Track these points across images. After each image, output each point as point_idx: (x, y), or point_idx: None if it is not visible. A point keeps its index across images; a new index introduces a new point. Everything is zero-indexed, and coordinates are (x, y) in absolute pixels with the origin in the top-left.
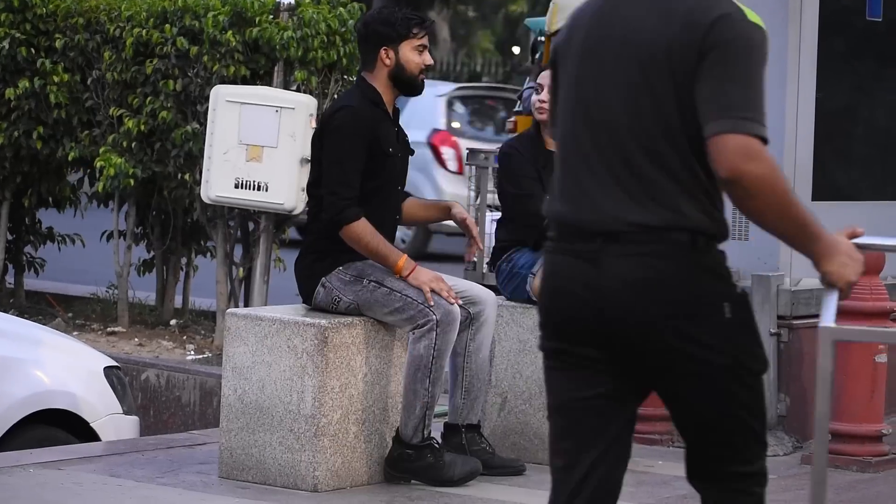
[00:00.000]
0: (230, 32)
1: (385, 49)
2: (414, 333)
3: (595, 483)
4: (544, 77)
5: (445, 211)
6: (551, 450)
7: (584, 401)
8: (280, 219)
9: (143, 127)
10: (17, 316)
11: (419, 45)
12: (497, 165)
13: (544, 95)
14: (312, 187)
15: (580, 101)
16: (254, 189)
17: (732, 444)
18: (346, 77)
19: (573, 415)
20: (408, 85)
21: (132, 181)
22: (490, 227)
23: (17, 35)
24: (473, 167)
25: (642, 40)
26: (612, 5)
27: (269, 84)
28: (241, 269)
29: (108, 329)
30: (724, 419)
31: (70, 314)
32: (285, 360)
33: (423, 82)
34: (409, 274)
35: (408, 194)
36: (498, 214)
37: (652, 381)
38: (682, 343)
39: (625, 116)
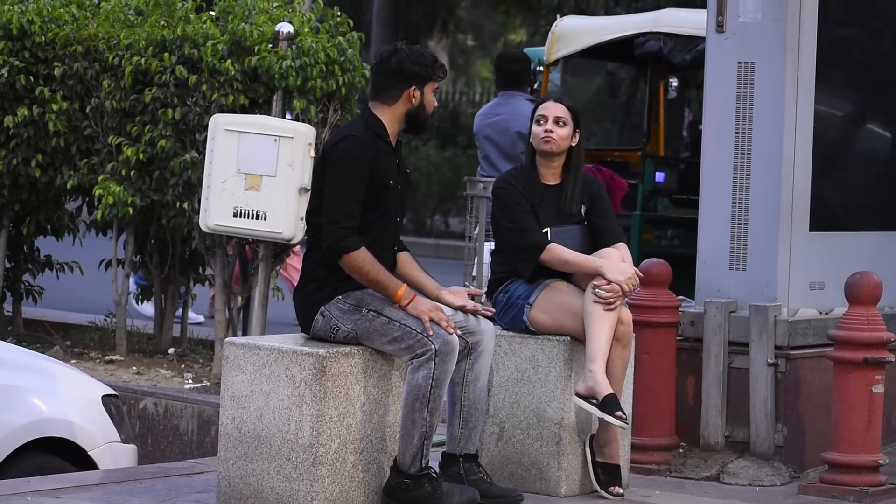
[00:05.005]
0: (229, 61)
1: (414, 88)
2: (412, 363)
3: None
4: (548, 108)
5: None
6: None
7: None
8: (278, 248)
9: (141, 155)
10: (15, 344)
11: (437, 88)
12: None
13: (550, 126)
14: (312, 216)
15: None
16: (252, 218)
17: None
18: (344, 106)
19: None
20: (420, 124)
21: (131, 209)
22: (488, 258)
23: (16, 63)
24: (471, 197)
25: None
26: None
27: (268, 113)
28: (239, 298)
29: (107, 357)
30: None
31: (68, 342)
32: (283, 390)
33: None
34: (409, 303)
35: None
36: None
37: None
38: None
39: None
